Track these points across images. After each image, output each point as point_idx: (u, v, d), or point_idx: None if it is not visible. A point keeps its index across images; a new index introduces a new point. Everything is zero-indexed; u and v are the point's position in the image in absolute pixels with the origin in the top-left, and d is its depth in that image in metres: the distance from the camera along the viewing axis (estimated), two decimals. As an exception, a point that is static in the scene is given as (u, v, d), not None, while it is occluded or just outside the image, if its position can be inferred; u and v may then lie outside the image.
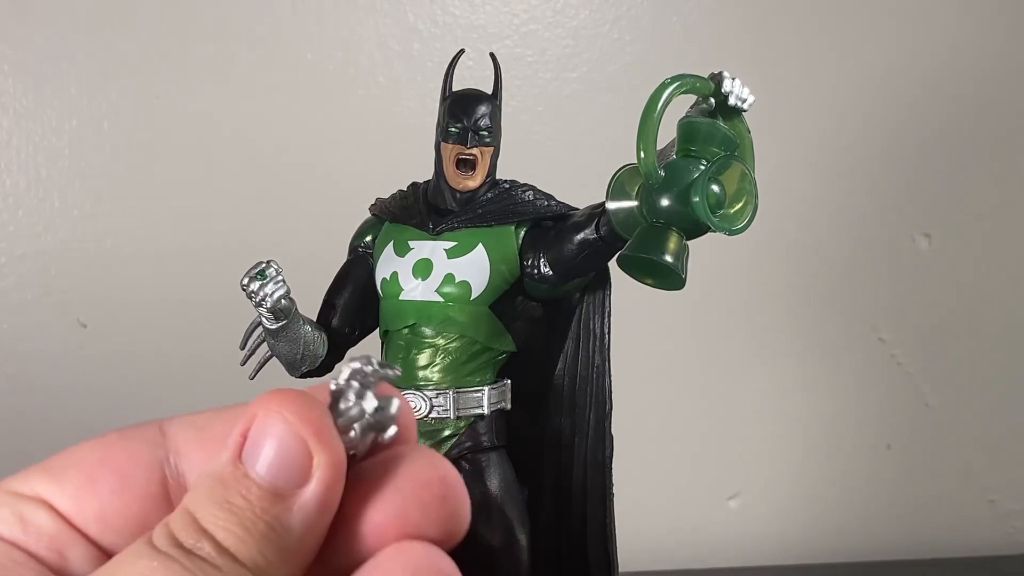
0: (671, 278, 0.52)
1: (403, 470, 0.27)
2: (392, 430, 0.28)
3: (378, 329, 0.61)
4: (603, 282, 0.61)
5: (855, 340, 1.07)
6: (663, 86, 0.51)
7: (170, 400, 1.01)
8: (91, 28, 0.97)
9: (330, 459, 0.26)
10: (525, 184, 0.61)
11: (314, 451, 0.26)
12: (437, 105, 0.61)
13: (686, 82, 0.52)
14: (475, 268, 0.58)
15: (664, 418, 1.04)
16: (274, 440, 0.26)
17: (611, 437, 0.62)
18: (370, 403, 0.27)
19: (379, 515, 0.27)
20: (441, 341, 0.58)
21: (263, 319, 0.57)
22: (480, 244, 0.59)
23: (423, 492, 0.27)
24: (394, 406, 0.28)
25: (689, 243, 0.53)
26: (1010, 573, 1.04)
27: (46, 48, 0.97)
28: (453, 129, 0.59)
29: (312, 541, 0.26)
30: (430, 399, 0.58)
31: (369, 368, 0.28)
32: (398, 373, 0.29)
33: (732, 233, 0.51)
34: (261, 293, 0.55)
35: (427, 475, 0.27)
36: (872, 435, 1.08)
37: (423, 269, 0.59)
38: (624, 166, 0.55)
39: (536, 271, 0.59)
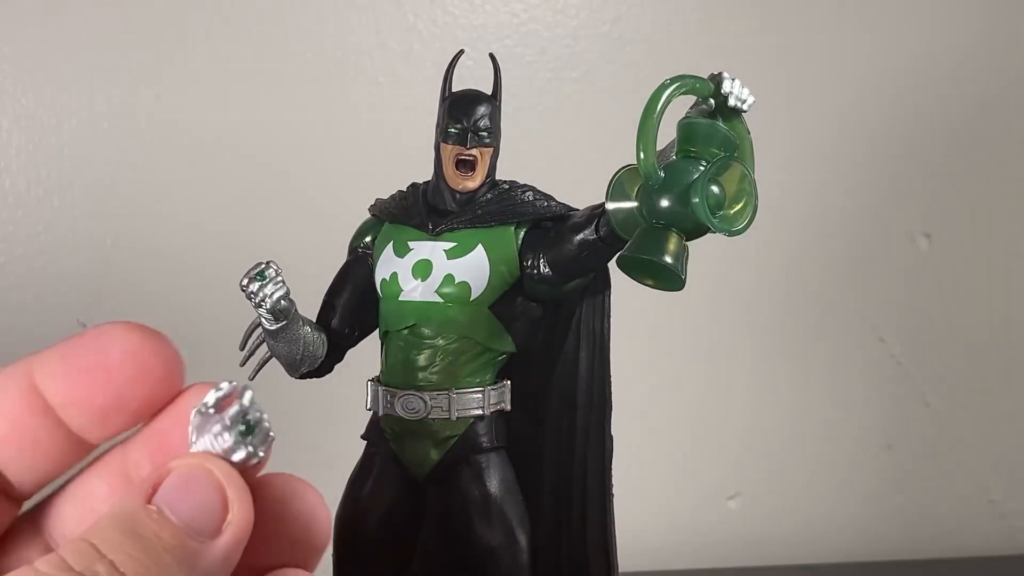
0: (671, 279, 0.52)
1: (294, 508, 0.30)
2: (262, 452, 0.30)
3: (378, 330, 0.61)
4: (603, 283, 0.61)
5: (855, 340, 1.07)
6: (663, 87, 0.51)
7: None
8: (91, 28, 0.97)
9: (243, 516, 0.28)
10: (525, 185, 0.61)
11: (231, 507, 0.28)
12: (437, 105, 0.61)
13: (686, 83, 0.52)
14: (475, 269, 0.58)
15: (664, 418, 1.04)
16: (197, 489, 0.28)
17: (611, 437, 0.62)
18: (261, 426, 0.30)
19: (271, 556, 0.30)
20: (441, 342, 0.58)
21: (263, 320, 0.56)
22: (480, 245, 0.59)
23: (305, 532, 0.30)
24: (267, 425, 0.30)
25: (689, 244, 0.53)
26: (1010, 573, 1.04)
27: (46, 48, 0.97)
28: (452, 130, 0.59)
29: None
30: (429, 400, 0.58)
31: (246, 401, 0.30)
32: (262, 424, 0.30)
33: (732, 234, 0.51)
34: (261, 294, 0.54)
35: (308, 510, 0.30)
36: (872, 435, 1.08)
37: (423, 270, 0.59)
38: (624, 167, 0.55)
39: (536, 271, 0.59)
